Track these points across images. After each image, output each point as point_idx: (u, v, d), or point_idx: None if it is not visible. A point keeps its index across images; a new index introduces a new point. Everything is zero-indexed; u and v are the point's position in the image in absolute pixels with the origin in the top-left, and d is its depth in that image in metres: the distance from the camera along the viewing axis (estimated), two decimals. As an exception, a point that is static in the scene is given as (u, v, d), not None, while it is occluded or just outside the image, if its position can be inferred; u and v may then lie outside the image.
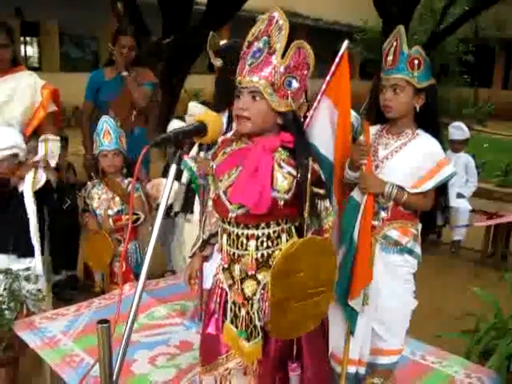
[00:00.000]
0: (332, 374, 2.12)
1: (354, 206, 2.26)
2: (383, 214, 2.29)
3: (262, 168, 1.73)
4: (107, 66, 4.28)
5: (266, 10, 1.74)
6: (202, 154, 2.90)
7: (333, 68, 2.27)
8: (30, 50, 16.31)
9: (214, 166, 1.88)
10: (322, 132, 2.29)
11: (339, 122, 2.30)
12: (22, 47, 15.40)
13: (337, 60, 2.26)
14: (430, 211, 2.35)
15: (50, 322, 2.94)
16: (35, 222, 3.11)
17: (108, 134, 3.20)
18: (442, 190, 2.32)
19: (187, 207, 3.48)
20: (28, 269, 2.99)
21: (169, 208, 3.56)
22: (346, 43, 2.28)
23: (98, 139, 3.23)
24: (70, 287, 3.99)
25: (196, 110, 3.34)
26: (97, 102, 4.22)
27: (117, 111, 3.95)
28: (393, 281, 2.33)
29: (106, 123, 3.24)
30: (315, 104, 2.31)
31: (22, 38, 15.02)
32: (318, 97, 2.29)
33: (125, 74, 4.05)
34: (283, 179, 1.74)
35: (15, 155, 3.08)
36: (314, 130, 2.29)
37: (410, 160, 2.24)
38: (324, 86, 2.29)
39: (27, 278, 2.94)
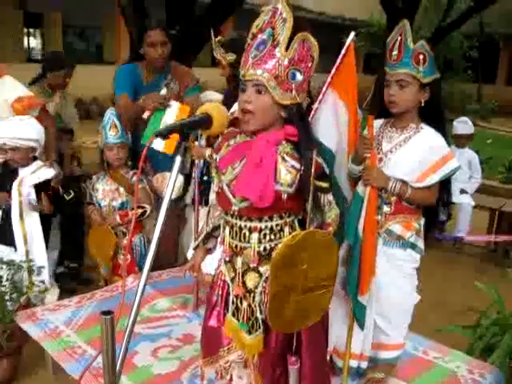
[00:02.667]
0: (330, 369, 2.12)
1: (358, 200, 2.25)
2: (386, 209, 2.29)
3: (265, 161, 1.73)
4: (139, 62, 3.55)
5: (271, 2, 1.73)
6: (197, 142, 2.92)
7: (338, 60, 2.26)
8: (34, 42, 16.26)
9: (218, 159, 1.87)
10: (326, 124, 2.28)
11: (350, 116, 2.29)
12: (25, 39, 15.35)
13: (343, 51, 2.25)
14: (433, 206, 2.35)
15: (52, 313, 2.95)
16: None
17: (114, 126, 3.21)
18: (444, 184, 2.31)
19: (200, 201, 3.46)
20: (31, 260, 2.99)
21: (178, 200, 3.52)
22: (352, 34, 2.27)
23: (104, 131, 3.23)
24: (71, 278, 3.99)
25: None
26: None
27: None
28: (395, 275, 2.33)
29: (113, 115, 3.24)
30: (320, 96, 2.29)
31: (25, 30, 14.97)
32: (323, 89, 2.28)
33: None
34: (286, 172, 1.74)
35: (32, 148, 3.13)
36: (318, 122, 2.27)
37: (414, 154, 2.22)
38: (329, 78, 2.28)
39: (30, 270, 2.94)
